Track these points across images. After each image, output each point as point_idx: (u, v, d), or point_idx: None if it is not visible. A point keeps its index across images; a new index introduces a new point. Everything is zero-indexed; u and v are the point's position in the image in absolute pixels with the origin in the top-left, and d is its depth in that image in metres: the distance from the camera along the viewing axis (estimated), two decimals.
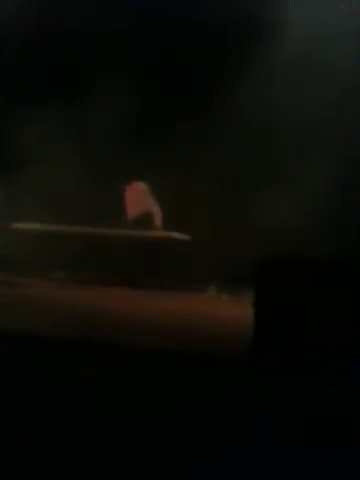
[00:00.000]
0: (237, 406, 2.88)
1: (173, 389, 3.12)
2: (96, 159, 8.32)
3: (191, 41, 8.00)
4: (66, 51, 8.18)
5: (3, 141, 8.35)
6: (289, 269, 3.93)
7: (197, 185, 8.24)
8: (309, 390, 3.12)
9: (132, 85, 7.98)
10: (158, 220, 8.04)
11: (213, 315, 5.66)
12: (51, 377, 3.19)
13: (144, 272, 7.58)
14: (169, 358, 3.71)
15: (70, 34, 8.03)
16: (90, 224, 8.04)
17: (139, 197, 8.21)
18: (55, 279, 7.60)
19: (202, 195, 8.18)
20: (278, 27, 7.76)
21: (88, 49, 8.14)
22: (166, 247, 7.78)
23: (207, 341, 4.30)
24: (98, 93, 8.10)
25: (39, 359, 3.52)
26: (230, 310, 5.98)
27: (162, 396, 2.99)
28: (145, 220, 8.11)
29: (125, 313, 5.42)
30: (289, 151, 7.95)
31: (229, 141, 8.04)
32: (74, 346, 3.85)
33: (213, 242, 7.72)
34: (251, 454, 2.28)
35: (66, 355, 3.66)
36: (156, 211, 8.09)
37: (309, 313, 3.75)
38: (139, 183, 8.23)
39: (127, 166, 8.16)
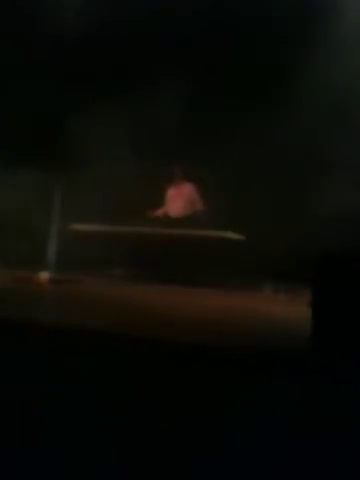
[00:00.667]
0: (294, 407, 2.83)
1: (226, 388, 3.09)
2: (151, 161, 8.35)
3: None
4: (122, 52, 8.23)
5: (60, 144, 8.47)
6: (348, 267, 3.84)
7: (252, 182, 8.18)
8: None
9: (185, 87, 7.99)
10: (205, 221, 8.05)
11: (269, 314, 5.60)
12: (102, 373, 3.21)
13: (199, 271, 7.57)
14: (223, 357, 3.68)
15: (124, 33, 8.08)
16: (144, 224, 8.10)
17: (186, 198, 8.22)
18: (111, 277, 7.67)
19: (257, 192, 8.12)
20: (334, 15, 7.68)
21: (141, 50, 8.18)
22: (221, 246, 7.75)
23: (263, 341, 4.25)
24: (155, 97, 8.13)
25: (94, 355, 3.54)
26: (286, 309, 5.91)
27: (214, 395, 2.96)
28: (192, 221, 8.13)
29: (179, 311, 5.42)
30: (345, 146, 7.83)
31: (282, 138, 7.96)
32: (128, 342, 3.86)
33: (269, 240, 7.65)
34: (308, 453, 2.23)
35: (121, 352, 3.68)
36: (203, 212, 8.09)
37: None
38: (187, 184, 8.24)
39: (181, 166, 8.17)
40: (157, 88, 8.14)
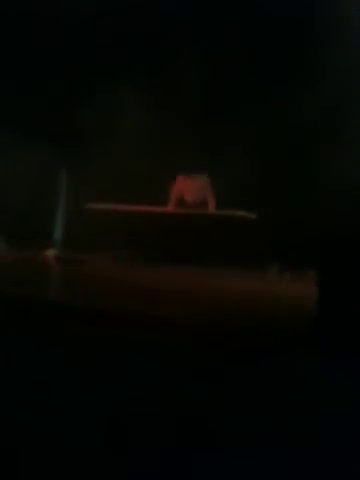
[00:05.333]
0: (299, 385, 2.82)
1: (234, 367, 3.08)
2: (163, 144, 8.30)
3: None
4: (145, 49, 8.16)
5: (73, 127, 8.43)
6: (354, 248, 3.82)
7: (262, 164, 8.12)
8: None
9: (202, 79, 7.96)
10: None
11: (275, 294, 5.59)
12: (112, 348, 3.21)
13: (208, 251, 7.55)
14: (230, 335, 3.67)
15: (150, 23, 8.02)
16: (156, 204, 8.08)
17: (200, 189, 8.19)
18: (120, 257, 7.66)
19: (266, 174, 8.07)
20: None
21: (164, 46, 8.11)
22: (230, 227, 7.73)
23: (269, 319, 4.24)
24: (174, 84, 8.08)
25: (101, 334, 3.54)
26: (293, 289, 5.90)
27: (221, 372, 2.95)
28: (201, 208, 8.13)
29: (188, 291, 5.41)
30: (355, 133, 7.78)
31: (296, 122, 7.90)
32: (138, 321, 3.86)
33: (277, 221, 7.62)
34: (317, 431, 2.22)
35: (130, 330, 3.67)
36: (211, 202, 8.08)
37: None
38: (201, 176, 8.19)
39: (193, 144, 8.12)
40: (172, 70, 8.09)
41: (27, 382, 2.60)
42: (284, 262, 7.14)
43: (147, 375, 2.80)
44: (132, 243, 7.78)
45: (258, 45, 7.94)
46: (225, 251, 7.44)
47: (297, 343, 3.54)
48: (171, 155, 8.04)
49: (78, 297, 4.45)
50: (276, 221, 7.60)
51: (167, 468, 1.83)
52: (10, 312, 3.89)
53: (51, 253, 7.10)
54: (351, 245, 3.80)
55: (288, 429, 2.24)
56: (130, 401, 2.44)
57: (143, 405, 2.40)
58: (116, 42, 8.22)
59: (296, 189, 7.92)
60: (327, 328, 3.61)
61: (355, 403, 2.59)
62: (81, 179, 8.27)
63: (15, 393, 2.42)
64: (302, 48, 7.85)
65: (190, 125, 8.14)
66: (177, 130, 8.16)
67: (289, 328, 3.87)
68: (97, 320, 3.78)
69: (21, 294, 4.35)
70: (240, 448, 2.02)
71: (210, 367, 3.02)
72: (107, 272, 6.55)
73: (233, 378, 2.85)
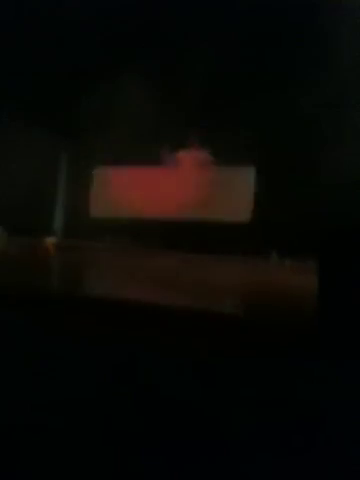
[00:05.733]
0: (299, 374, 2.82)
1: (233, 356, 3.08)
2: (162, 142, 8.25)
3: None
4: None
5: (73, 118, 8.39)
6: (355, 236, 3.81)
7: (262, 147, 8.08)
8: None
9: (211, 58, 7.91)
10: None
11: (275, 282, 5.59)
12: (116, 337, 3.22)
13: (207, 238, 7.54)
14: (230, 324, 3.67)
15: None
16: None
17: (199, 165, 8.12)
18: (120, 244, 7.65)
19: (266, 159, 8.03)
20: None
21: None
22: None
23: (269, 308, 4.24)
24: (182, 61, 8.02)
25: (105, 320, 3.55)
26: (293, 278, 5.90)
27: (221, 363, 2.95)
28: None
29: (188, 278, 5.41)
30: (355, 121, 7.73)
31: (296, 108, 7.86)
32: (139, 308, 3.87)
33: (277, 208, 7.59)
34: (317, 430, 2.22)
35: (132, 317, 3.68)
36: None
37: None
38: (203, 152, 8.12)
39: (190, 135, 8.09)
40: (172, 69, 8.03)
41: (26, 377, 2.60)
42: (284, 249, 7.13)
43: (145, 371, 2.80)
44: (131, 229, 7.76)
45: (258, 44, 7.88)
46: (224, 238, 7.43)
47: (297, 337, 3.55)
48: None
49: (77, 285, 4.45)
50: (275, 208, 7.58)
51: (167, 468, 1.83)
52: (8, 302, 3.89)
53: (51, 241, 7.09)
54: (353, 232, 3.80)
55: (288, 429, 2.24)
56: (129, 399, 2.44)
57: (142, 403, 2.40)
58: (115, 38, 8.16)
59: (297, 180, 7.90)
60: (328, 321, 3.61)
61: (356, 403, 2.59)
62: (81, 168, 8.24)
63: (12, 389, 2.42)
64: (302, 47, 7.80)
65: (188, 121, 8.10)
66: (175, 126, 8.12)
67: (288, 317, 3.87)
68: (97, 309, 3.78)
69: (20, 283, 4.35)
70: (240, 448, 2.02)
71: (209, 363, 3.02)
72: (106, 259, 6.55)
73: (233, 376, 2.85)
